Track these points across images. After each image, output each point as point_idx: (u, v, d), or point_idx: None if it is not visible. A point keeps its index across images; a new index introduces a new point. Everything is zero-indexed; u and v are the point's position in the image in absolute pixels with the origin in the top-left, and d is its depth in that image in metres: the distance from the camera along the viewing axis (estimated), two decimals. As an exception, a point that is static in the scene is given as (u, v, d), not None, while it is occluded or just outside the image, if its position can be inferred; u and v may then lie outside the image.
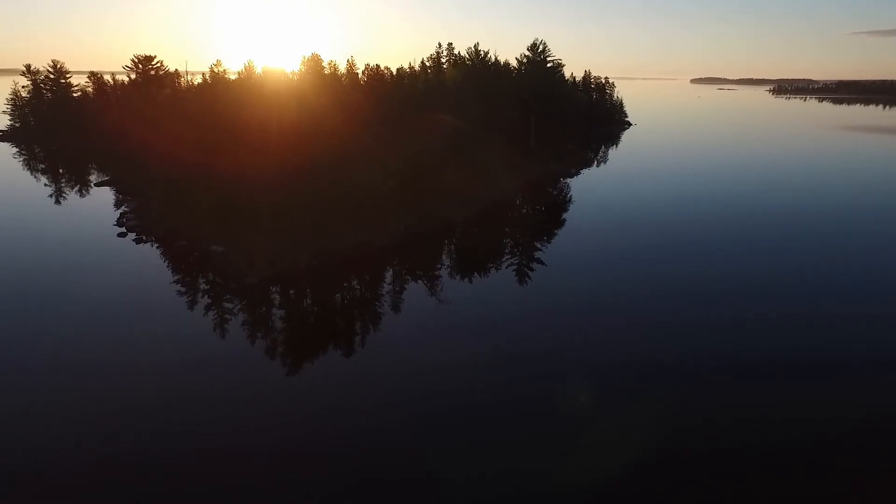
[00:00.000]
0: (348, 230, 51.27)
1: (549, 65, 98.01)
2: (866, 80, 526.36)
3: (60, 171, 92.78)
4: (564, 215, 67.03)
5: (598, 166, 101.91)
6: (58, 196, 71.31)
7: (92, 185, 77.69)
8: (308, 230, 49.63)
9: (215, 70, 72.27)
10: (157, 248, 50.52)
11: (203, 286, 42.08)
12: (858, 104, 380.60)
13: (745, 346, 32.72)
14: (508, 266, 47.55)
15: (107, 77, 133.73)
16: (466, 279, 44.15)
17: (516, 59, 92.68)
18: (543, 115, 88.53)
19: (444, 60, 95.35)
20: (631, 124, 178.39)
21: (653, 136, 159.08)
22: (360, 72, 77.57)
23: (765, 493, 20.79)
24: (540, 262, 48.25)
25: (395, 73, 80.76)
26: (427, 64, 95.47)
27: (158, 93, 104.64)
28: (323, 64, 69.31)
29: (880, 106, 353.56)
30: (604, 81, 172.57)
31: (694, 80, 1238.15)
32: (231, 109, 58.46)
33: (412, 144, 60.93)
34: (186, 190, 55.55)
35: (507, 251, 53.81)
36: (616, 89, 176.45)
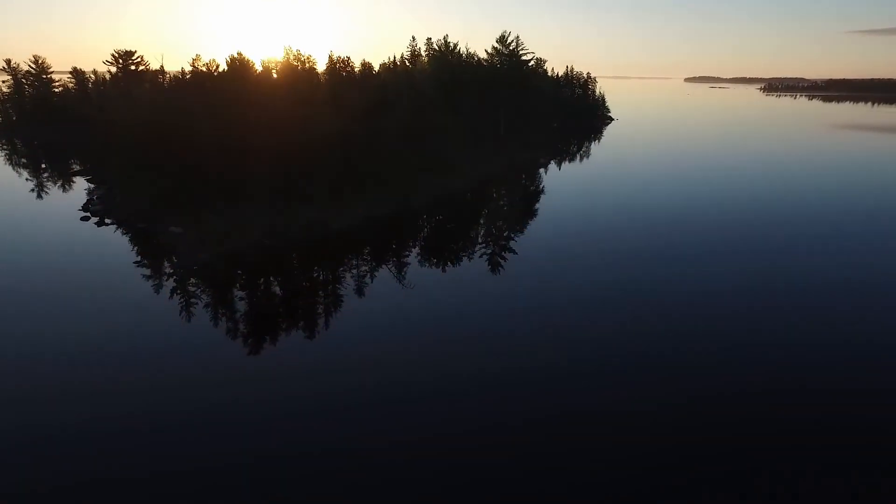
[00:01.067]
0: (302, 212, 52.52)
1: (522, 57, 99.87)
2: (855, 79, 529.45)
3: (39, 163, 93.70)
4: (532, 202, 68.32)
5: (570, 156, 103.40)
6: (31, 186, 72.33)
7: (67, 175, 78.73)
8: (263, 212, 50.97)
9: (194, 64, 73.53)
10: (117, 230, 51.70)
11: (157, 265, 43.13)
12: (848, 102, 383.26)
13: (706, 338, 31.22)
14: (471, 251, 48.33)
15: (89, 73, 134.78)
16: (426, 264, 44.10)
17: (486, 50, 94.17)
18: (513, 106, 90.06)
19: (422, 54, 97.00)
20: (613, 119, 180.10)
21: (632, 129, 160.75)
22: (337, 64, 79.04)
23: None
24: (507, 248, 48.53)
25: (361, 65, 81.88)
26: (404, 57, 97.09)
27: (137, 87, 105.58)
28: (295, 56, 70.53)
29: (868, 104, 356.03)
30: (586, 77, 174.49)
31: (688, 79, 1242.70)
32: (200, 100, 59.89)
33: (369, 131, 62.10)
34: (149, 176, 56.84)
35: (469, 236, 54.67)
36: (598, 85, 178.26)
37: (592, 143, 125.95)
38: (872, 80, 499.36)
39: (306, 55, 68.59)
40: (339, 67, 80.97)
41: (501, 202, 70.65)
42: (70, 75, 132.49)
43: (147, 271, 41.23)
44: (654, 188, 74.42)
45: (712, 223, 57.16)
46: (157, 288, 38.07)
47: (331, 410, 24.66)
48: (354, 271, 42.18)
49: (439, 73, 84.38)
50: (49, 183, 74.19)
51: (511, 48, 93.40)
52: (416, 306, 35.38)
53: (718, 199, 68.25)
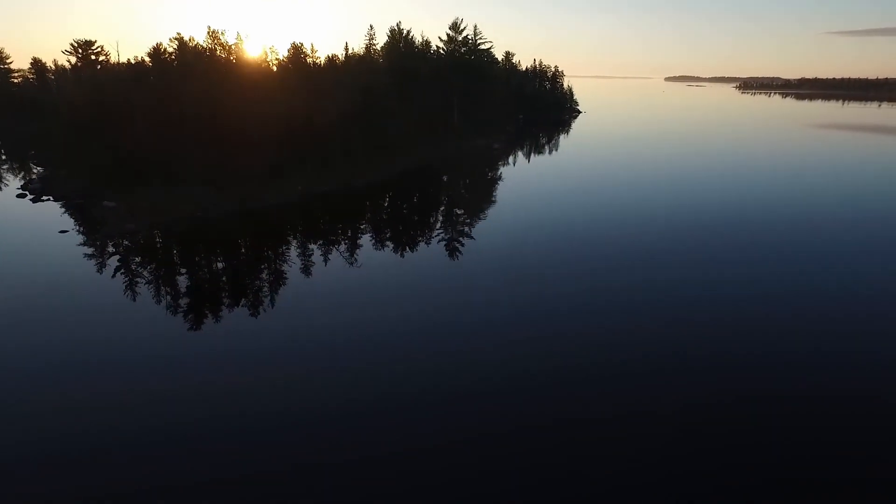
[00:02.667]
0: (238, 190, 53.37)
1: (480, 46, 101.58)
2: (826, 78, 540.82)
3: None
4: (482, 186, 69.69)
5: (529, 145, 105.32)
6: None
7: (25, 162, 78.58)
8: (198, 190, 51.77)
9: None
10: (54, 205, 52.15)
11: (88, 235, 43.63)
12: (819, 100, 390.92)
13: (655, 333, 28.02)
14: (412, 231, 48.48)
15: (49, 64, 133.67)
16: (366, 241, 43.04)
17: (439, 37, 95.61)
18: (467, 93, 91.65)
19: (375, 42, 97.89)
20: (581, 112, 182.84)
21: (598, 120, 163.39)
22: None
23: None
24: (458, 230, 47.98)
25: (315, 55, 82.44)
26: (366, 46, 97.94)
27: (93, 75, 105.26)
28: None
29: (839, 101, 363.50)
30: (554, 71, 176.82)
31: (668, 79, 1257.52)
32: (144, 83, 60.54)
33: (313, 113, 63.09)
34: (88, 155, 57.41)
35: (412, 217, 55.32)
36: (566, 78, 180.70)
37: (556, 134, 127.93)
38: (843, 79, 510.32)
39: (269, 45, 69.13)
40: (300, 56, 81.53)
41: (450, 186, 71.95)
42: (31, 66, 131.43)
43: (70, 238, 41.85)
44: (607, 173, 76.40)
45: (663, 203, 57.91)
46: (77, 254, 38.75)
47: (264, 388, 22.53)
48: (287, 246, 42.53)
49: (391, 59, 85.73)
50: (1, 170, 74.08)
51: (465, 35, 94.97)
52: (353, 280, 34.87)
53: (672, 181, 70.35)
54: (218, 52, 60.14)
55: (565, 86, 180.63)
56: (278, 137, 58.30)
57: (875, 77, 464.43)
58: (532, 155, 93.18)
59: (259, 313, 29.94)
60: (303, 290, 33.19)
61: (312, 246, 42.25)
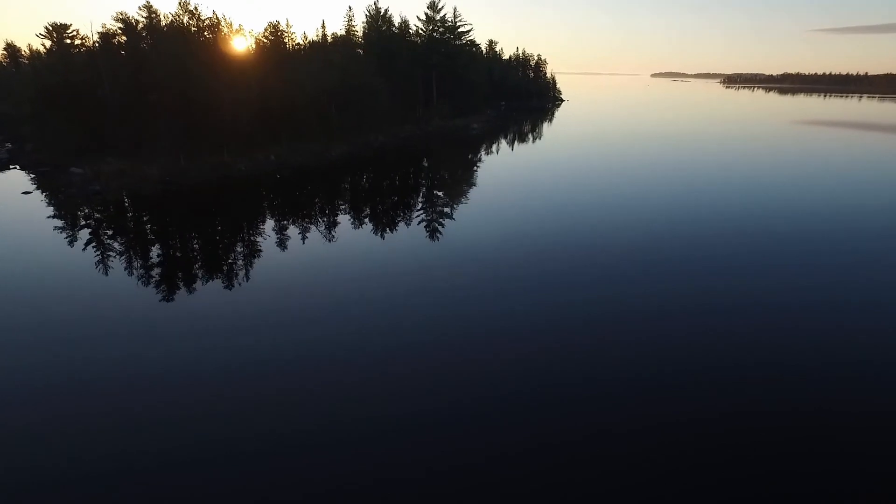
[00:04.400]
0: (210, 158, 53.00)
1: (459, 29, 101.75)
2: (808, 73, 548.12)
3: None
4: (461, 162, 69.70)
5: (508, 126, 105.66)
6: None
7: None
8: (165, 156, 51.33)
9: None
10: (20, 173, 51.48)
11: (53, 196, 43.13)
12: (801, 94, 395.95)
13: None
14: (387, 207, 46.23)
15: (24, 49, 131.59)
16: (341, 216, 40.26)
17: (417, 17, 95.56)
18: (445, 74, 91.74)
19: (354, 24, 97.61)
20: (564, 101, 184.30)
21: (580, 108, 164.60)
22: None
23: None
24: (431, 209, 45.48)
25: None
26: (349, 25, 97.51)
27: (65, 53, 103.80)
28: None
29: (821, 96, 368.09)
30: (537, 59, 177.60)
31: (654, 75, 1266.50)
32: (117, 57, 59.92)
33: (289, 87, 62.79)
34: (57, 125, 56.72)
35: (384, 190, 54.89)
36: (549, 66, 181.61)
37: (538, 119, 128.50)
38: (823, 74, 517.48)
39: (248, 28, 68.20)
40: (277, 34, 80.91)
41: (426, 160, 71.93)
42: (5, 50, 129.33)
43: (32, 199, 41.32)
44: (586, 156, 76.82)
45: (646, 184, 55.98)
46: (39, 212, 38.28)
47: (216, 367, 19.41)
48: (260, 215, 41.31)
49: (370, 39, 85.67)
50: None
51: (443, 15, 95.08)
52: (328, 253, 32.22)
53: (649, 168, 70.88)
54: (186, 21, 59.46)
55: (548, 75, 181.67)
56: (252, 110, 57.88)
57: (855, 73, 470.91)
58: (512, 137, 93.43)
59: (231, 284, 27.37)
60: (275, 260, 30.71)
61: (285, 216, 41.06)
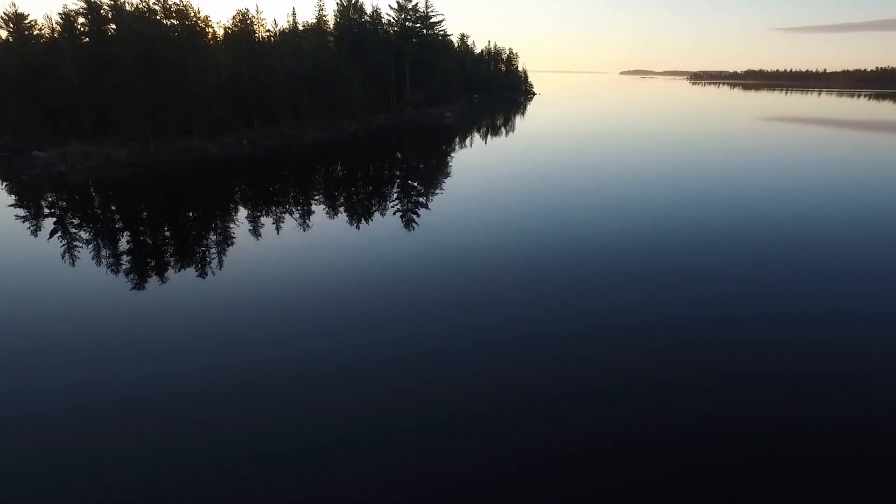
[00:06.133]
0: (179, 142, 51.97)
1: (432, 19, 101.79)
2: (770, 70, 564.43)
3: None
4: (435, 149, 69.68)
5: (482, 116, 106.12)
6: None
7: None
8: (135, 140, 50.18)
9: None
10: (-21, 159, 49.58)
11: (12, 180, 41.83)
12: (764, 90, 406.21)
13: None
14: (358, 193, 44.78)
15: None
16: (312, 202, 38.63)
17: (389, 5, 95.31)
18: (418, 63, 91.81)
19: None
20: (536, 94, 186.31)
21: (552, 100, 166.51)
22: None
23: None
24: (409, 198, 45.75)
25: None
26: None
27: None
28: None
29: (782, 91, 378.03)
30: (509, 53, 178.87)
31: (623, 73, 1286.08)
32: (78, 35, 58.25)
33: (261, 73, 62.00)
34: (20, 111, 54.92)
35: (356, 177, 54.54)
36: (520, 60, 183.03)
37: (510, 110, 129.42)
38: (786, 71, 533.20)
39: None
40: (246, 21, 79.63)
41: (400, 146, 71.77)
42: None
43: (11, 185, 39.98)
44: (554, 142, 77.63)
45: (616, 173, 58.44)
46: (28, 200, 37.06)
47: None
48: (229, 198, 40.45)
49: (341, 28, 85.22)
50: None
51: (415, 4, 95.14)
52: (298, 239, 30.21)
53: (619, 155, 72.07)
54: (152, 3, 58.09)
55: (520, 68, 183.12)
56: (222, 94, 56.94)
57: (815, 70, 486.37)
58: (486, 126, 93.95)
59: (206, 272, 26.53)
60: (249, 246, 28.64)
61: (255, 201, 39.32)
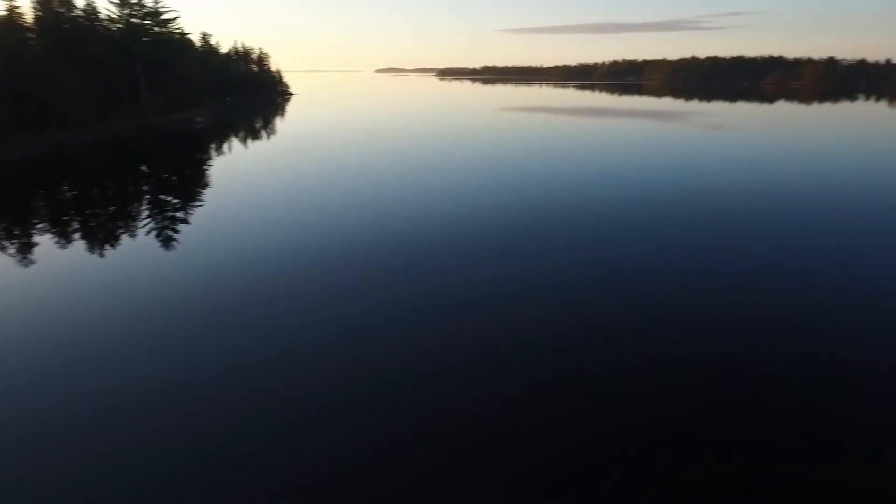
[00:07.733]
0: None
1: (163, 16, 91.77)
2: (503, 66, 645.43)
3: None
4: (190, 158, 62.89)
5: (237, 119, 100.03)
6: None
7: None
8: None
9: None
10: None
11: None
12: (499, 83, 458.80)
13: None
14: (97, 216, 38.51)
15: None
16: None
17: (110, 1, 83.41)
18: (153, 64, 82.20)
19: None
20: (293, 94, 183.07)
21: (311, 100, 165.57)
22: None
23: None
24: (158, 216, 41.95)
25: None
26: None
27: None
28: None
29: (513, 84, 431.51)
30: (259, 53, 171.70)
31: (378, 70, 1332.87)
32: None
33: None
34: None
35: (91, 199, 46.49)
36: (272, 59, 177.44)
37: (268, 111, 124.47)
38: (513, 66, 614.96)
39: None
40: None
41: (145, 160, 63.53)
42: None
43: None
44: (325, 144, 76.99)
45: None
46: None
47: None
48: None
49: (43, 22, 71.49)
50: None
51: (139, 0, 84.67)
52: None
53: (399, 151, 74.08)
54: None
55: (273, 69, 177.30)
56: None
57: (534, 65, 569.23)
58: (245, 128, 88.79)
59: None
60: None
61: None
